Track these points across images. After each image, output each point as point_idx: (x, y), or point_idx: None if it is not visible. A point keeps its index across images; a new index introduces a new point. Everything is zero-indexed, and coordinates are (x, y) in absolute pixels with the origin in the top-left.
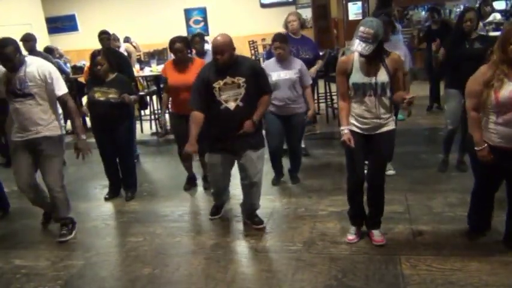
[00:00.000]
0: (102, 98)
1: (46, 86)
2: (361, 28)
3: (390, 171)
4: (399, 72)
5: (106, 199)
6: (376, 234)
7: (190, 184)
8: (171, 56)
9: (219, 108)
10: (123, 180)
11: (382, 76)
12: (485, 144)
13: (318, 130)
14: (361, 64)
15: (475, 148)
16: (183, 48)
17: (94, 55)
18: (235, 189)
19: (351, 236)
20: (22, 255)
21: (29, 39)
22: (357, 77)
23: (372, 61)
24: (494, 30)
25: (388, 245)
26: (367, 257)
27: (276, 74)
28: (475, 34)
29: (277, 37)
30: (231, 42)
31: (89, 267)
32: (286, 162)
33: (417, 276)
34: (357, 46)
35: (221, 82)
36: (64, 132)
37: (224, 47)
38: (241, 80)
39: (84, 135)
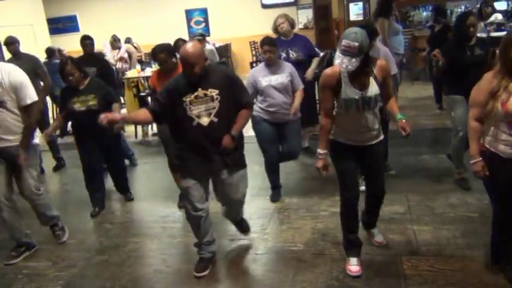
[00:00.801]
0: (82, 108)
1: (15, 93)
2: (344, 42)
3: (391, 172)
4: (388, 79)
5: (92, 216)
6: (376, 233)
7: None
8: None
9: (191, 125)
10: (116, 184)
11: (374, 88)
12: (480, 158)
13: (319, 131)
14: (350, 78)
15: (470, 162)
16: (166, 58)
17: (62, 66)
18: None
19: (355, 268)
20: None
21: (11, 42)
22: (348, 92)
23: (361, 73)
24: (496, 30)
25: (390, 246)
26: (369, 257)
27: (267, 79)
28: (474, 39)
29: (266, 41)
30: (202, 53)
31: (89, 268)
32: (290, 165)
33: (418, 277)
34: (342, 62)
35: (191, 95)
36: (37, 141)
37: (195, 59)
38: (214, 93)
39: (25, 152)
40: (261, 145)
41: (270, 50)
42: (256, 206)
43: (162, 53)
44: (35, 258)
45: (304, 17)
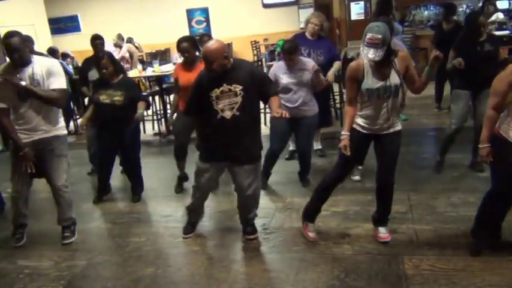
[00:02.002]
0: (107, 101)
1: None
2: (369, 35)
3: (356, 177)
4: (411, 67)
5: (95, 203)
6: (382, 231)
7: (181, 184)
8: (175, 56)
9: (216, 117)
10: (131, 183)
11: (395, 78)
12: (488, 144)
13: (320, 130)
14: (372, 69)
15: (479, 146)
16: (189, 49)
17: (100, 59)
18: None
19: (313, 234)
20: (25, 256)
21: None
22: (370, 82)
23: (383, 64)
24: (497, 29)
25: (391, 245)
26: (370, 257)
27: (287, 76)
28: (485, 35)
29: (286, 48)
30: (222, 49)
31: (91, 268)
32: (293, 164)
33: (420, 276)
34: (367, 54)
35: (218, 90)
36: (66, 132)
37: (214, 57)
38: (238, 88)
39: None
40: (271, 137)
41: (290, 58)
42: None
43: (185, 42)
44: (36, 257)
45: (305, 16)
